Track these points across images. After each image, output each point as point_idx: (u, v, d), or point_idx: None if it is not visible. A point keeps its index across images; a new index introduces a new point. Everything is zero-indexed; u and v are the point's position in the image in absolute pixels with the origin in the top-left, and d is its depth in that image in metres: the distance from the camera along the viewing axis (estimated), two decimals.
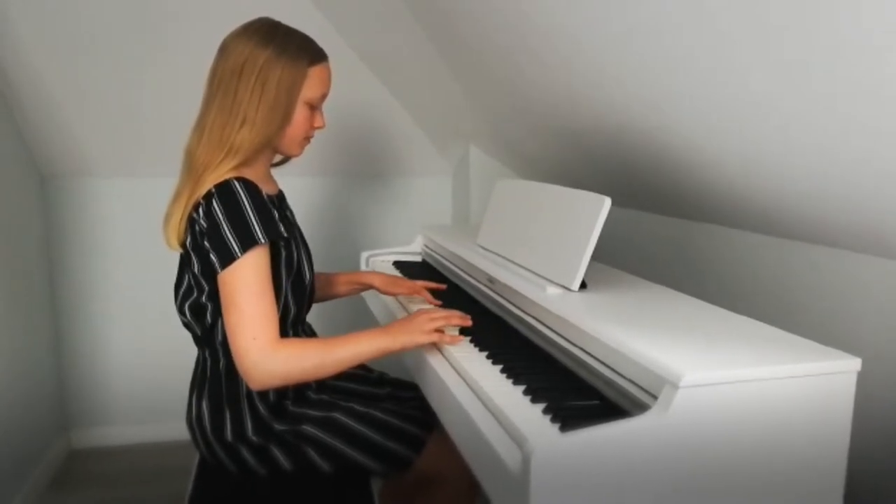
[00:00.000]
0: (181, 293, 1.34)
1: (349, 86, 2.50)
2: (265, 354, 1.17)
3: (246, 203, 1.22)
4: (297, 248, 1.39)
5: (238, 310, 1.17)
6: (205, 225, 1.22)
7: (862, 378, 0.95)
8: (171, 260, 1.37)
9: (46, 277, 2.55)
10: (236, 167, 1.26)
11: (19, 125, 2.33)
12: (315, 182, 2.80)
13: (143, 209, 2.60)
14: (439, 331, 1.29)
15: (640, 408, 0.96)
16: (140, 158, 2.53)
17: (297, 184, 2.73)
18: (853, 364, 0.94)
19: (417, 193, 2.93)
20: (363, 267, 2.17)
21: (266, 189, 1.32)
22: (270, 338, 1.18)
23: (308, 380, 1.25)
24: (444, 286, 1.70)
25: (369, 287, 1.74)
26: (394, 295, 1.72)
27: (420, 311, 1.31)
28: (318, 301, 1.60)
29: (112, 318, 2.67)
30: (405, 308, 1.66)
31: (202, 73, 1.32)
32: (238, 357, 1.18)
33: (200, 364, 1.38)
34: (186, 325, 1.37)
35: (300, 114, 1.32)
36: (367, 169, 2.84)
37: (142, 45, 2.24)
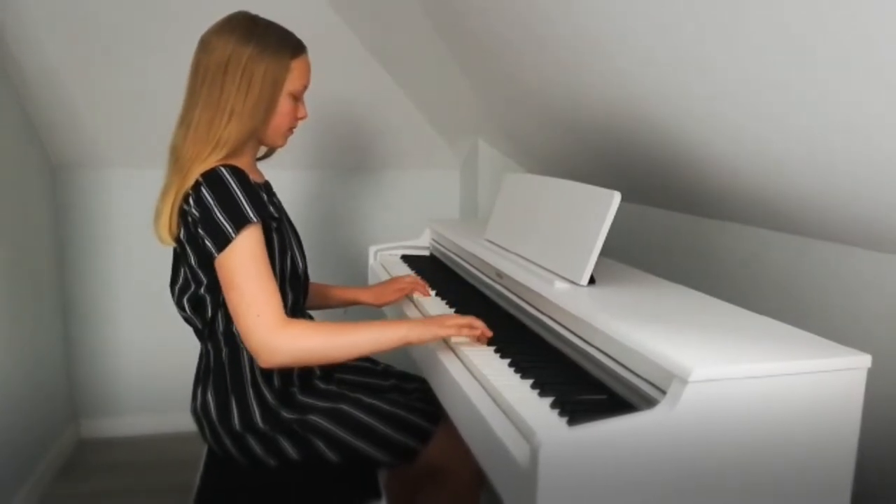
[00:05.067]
0: (178, 288, 1.36)
1: (358, 79, 2.51)
2: (271, 331, 1.17)
3: (234, 186, 1.23)
4: (288, 234, 1.41)
5: (238, 290, 1.18)
6: (196, 213, 1.23)
7: (872, 375, 0.95)
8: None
9: (56, 267, 2.57)
10: (223, 158, 1.28)
11: (30, 115, 2.35)
12: (323, 175, 2.80)
13: (154, 199, 2.58)
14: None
15: (649, 403, 0.96)
16: (151, 148, 2.53)
17: (306, 177, 2.74)
18: (863, 361, 0.94)
19: (425, 187, 2.93)
20: (371, 261, 2.18)
21: (252, 177, 1.33)
22: (276, 315, 1.18)
23: (320, 361, 1.24)
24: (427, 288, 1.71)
25: (361, 304, 1.74)
26: (387, 304, 1.73)
27: (445, 315, 1.32)
28: (312, 308, 1.62)
29: (122, 308, 2.69)
30: (423, 314, 1.60)
31: None
32: (245, 336, 1.19)
33: (204, 357, 1.39)
34: (187, 320, 1.38)
35: (284, 105, 1.34)
36: (375, 163, 2.84)
37: (152, 35, 2.25)
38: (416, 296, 1.68)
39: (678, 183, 1.68)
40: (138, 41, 2.25)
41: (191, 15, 2.21)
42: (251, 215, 1.21)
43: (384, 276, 1.93)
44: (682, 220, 1.90)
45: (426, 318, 1.31)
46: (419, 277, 1.76)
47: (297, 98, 1.37)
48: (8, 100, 2.19)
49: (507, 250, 1.62)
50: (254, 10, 1.36)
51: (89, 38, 2.21)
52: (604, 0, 1.24)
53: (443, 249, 2.06)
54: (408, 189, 2.91)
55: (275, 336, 1.17)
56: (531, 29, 1.56)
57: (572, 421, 0.95)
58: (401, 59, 2.44)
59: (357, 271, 2.80)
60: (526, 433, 0.94)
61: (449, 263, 2.00)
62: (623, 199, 1.30)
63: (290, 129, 1.40)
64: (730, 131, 1.28)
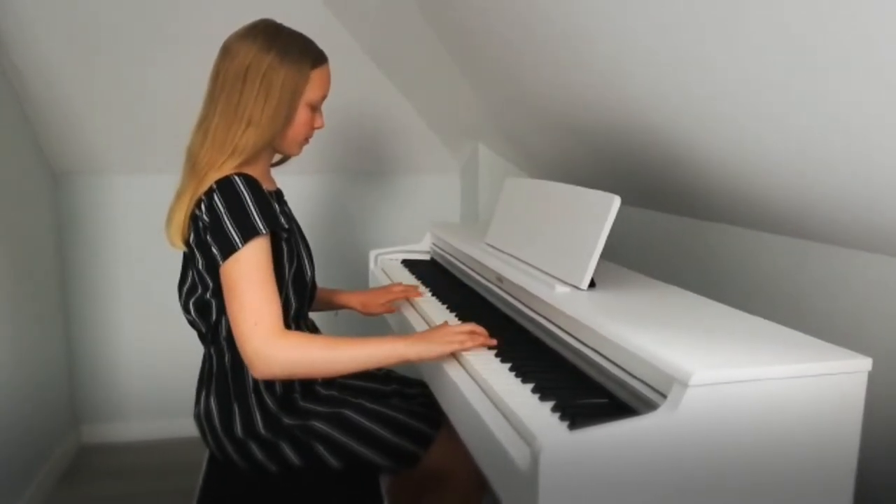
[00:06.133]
0: (185, 291, 1.36)
1: (358, 83, 2.51)
2: (267, 342, 1.17)
3: (246, 196, 1.23)
4: (297, 243, 1.41)
5: (239, 298, 1.18)
6: (207, 220, 1.23)
7: (873, 378, 0.94)
8: (181, 256, 1.38)
9: (58, 274, 2.57)
10: (238, 166, 1.28)
11: (32, 123, 2.35)
12: (324, 180, 2.80)
13: (155, 206, 2.59)
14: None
15: (649, 406, 0.95)
16: (152, 155, 2.54)
17: (306, 182, 2.74)
18: (864, 364, 0.93)
19: (426, 191, 2.93)
20: (372, 265, 2.17)
21: (265, 186, 1.33)
22: (273, 326, 1.18)
23: (315, 375, 1.24)
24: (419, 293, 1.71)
25: (349, 308, 1.74)
26: (375, 314, 1.73)
27: (444, 325, 1.29)
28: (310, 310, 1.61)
29: (123, 313, 2.69)
30: (424, 318, 1.58)
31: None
32: (241, 344, 1.18)
33: (207, 361, 1.39)
34: (191, 323, 1.38)
35: (302, 115, 1.34)
36: (375, 167, 2.84)
37: (152, 41, 2.25)
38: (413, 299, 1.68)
39: (678, 185, 1.68)
40: (139, 48, 2.25)
41: (191, 16, 2.22)
42: (260, 227, 1.21)
43: (385, 281, 1.92)
44: (682, 223, 1.90)
45: (426, 332, 1.28)
46: (419, 285, 1.77)
47: (314, 108, 1.37)
48: (9, 108, 2.19)
49: (507, 254, 1.62)
50: (251, 14, 1.36)
51: (90, 45, 2.21)
52: (608, 5, 1.24)
53: (443, 254, 2.06)
54: (408, 193, 2.91)
55: (270, 346, 1.17)
56: (531, 29, 1.56)
57: (573, 425, 0.95)
58: (400, 63, 2.44)
59: (358, 276, 2.79)
60: (527, 437, 0.94)
61: (450, 268, 2.00)
62: (623, 203, 1.29)
63: (307, 139, 1.40)
64: (730, 131, 1.28)
